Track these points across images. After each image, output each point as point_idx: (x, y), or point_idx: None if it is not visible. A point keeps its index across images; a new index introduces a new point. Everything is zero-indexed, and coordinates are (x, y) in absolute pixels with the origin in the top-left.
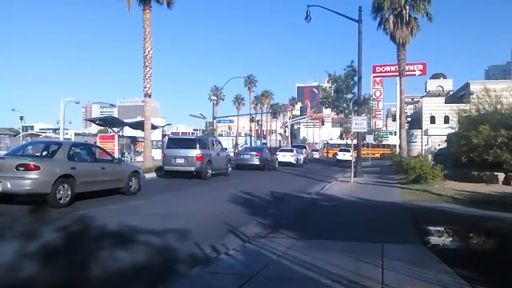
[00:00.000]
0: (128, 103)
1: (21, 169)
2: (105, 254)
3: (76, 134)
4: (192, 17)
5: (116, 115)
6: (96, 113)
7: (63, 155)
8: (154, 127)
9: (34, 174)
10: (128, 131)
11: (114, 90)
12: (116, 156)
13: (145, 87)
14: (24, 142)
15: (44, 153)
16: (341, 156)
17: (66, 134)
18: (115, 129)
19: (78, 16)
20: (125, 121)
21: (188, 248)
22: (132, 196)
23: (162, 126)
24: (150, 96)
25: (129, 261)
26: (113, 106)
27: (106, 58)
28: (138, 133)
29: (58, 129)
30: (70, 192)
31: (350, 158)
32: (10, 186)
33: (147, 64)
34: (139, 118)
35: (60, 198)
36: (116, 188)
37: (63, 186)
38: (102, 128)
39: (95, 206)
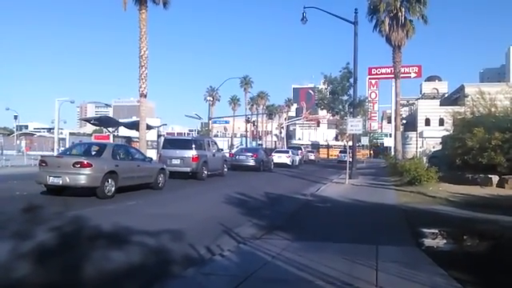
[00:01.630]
0: (123, 103)
1: (77, 166)
2: (99, 252)
3: (71, 134)
4: (188, 17)
5: (111, 115)
6: (91, 112)
7: (108, 154)
8: (149, 127)
9: (87, 171)
10: (123, 131)
11: (110, 90)
12: None
13: (140, 87)
14: (73, 143)
15: (93, 152)
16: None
17: (61, 133)
18: (110, 129)
19: (74, 15)
20: (120, 121)
21: (183, 249)
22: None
23: (158, 127)
24: (145, 96)
25: (123, 261)
26: (108, 105)
27: (102, 57)
28: (133, 133)
29: (53, 128)
30: (114, 186)
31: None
32: (68, 180)
33: (143, 64)
34: (134, 118)
35: (107, 191)
36: (147, 183)
37: (109, 181)
38: (97, 128)
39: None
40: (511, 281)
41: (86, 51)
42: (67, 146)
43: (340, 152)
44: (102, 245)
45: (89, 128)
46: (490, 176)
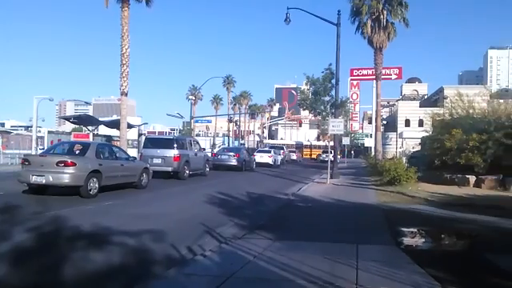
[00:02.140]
0: (104, 101)
1: (60, 165)
2: (79, 254)
3: (49, 132)
4: (171, 15)
5: (91, 113)
6: (70, 111)
7: (92, 153)
8: (130, 126)
9: (71, 169)
10: (103, 130)
11: (90, 88)
12: None
13: (121, 85)
14: (56, 142)
15: (76, 151)
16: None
17: (39, 131)
18: (90, 127)
19: (54, 12)
20: (100, 119)
21: (164, 249)
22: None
23: (139, 125)
24: (126, 95)
25: (104, 262)
26: (88, 103)
27: (82, 55)
28: (113, 132)
29: (31, 126)
30: (97, 185)
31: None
32: (51, 179)
33: (124, 62)
34: (115, 117)
35: (90, 190)
36: (131, 182)
37: (92, 180)
38: (77, 126)
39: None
40: (487, 278)
41: (66, 48)
42: (46, 144)
43: (323, 152)
44: (83, 246)
45: (68, 126)
46: (467, 176)
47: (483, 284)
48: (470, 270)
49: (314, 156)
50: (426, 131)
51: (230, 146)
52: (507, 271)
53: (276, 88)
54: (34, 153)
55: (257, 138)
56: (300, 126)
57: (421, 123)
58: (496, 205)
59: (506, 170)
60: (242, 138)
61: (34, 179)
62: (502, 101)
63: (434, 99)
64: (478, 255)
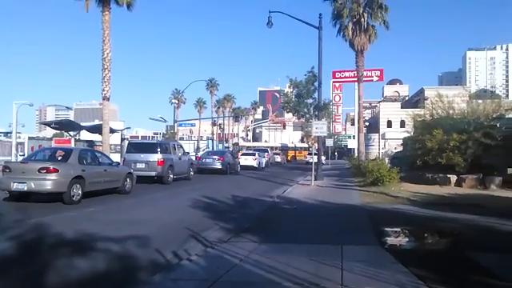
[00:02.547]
0: (85, 106)
1: (43, 171)
2: (62, 261)
3: (30, 138)
4: (153, 19)
5: (72, 118)
6: (51, 116)
7: (75, 159)
8: (112, 131)
9: (53, 176)
10: (85, 135)
11: (71, 93)
12: None
13: (103, 90)
14: (37, 149)
15: (58, 158)
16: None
17: (19, 137)
18: (71, 132)
19: (34, 15)
20: (82, 124)
21: (149, 254)
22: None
23: (121, 130)
24: (108, 99)
25: (89, 269)
26: (69, 108)
27: (62, 59)
28: (95, 136)
29: (10, 132)
30: (80, 191)
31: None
32: (33, 186)
33: (106, 67)
34: (97, 122)
35: (73, 196)
36: (115, 187)
37: (76, 186)
38: (58, 132)
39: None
40: (469, 276)
41: (46, 53)
42: (26, 150)
43: (308, 154)
44: (66, 253)
45: (49, 132)
46: (448, 176)
47: (465, 281)
48: (452, 268)
49: (300, 158)
50: (408, 132)
51: (215, 149)
52: (488, 268)
53: (259, 91)
54: (14, 159)
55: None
56: (284, 128)
57: (402, 124)
58: (477, 203)
59: (486, 169)
60: (227, 141)
61: (16, 186)
62: (480, 101)
63: (414, 100)
64: (459, 253)
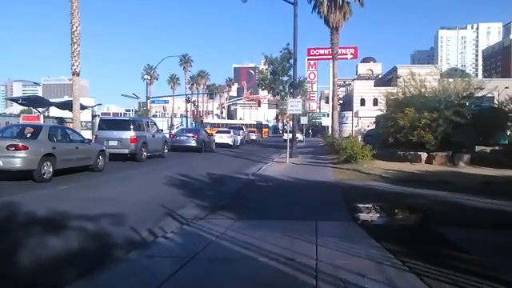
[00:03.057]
0: (54, 82)
1: (11, 149)
2: (35, 240)
3: None
4: None
5: (41, 94)
6: (18, 92)
7: (45, 136)
8: (83, 107)
9: (23, 153)
10: (54, 111)
11: (38, 68)
12: None
13: (73, 65)
14: (3, 126)
15: (28, 135)
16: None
17: None
18: (40, 109)
19: None
20: (51, 100)
21: (124, 232)
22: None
23: (92, 106)
24: (78, 75)
25: (62, 248)
26: (37, 84)
27: (30, 32)
28: (65, 113)
29: None
30: (51, 169)
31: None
32: (2, 164)
33: (75, 41)
34: (66, 98)
35: (44, 174)
36: (87, 165)
37: (46, 164)
38: (26, 108)
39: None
40: (437, 250)
41: (12, 26)
42: None
43: (285, 132)
44: (38, 232)
45: (16, 108)
46: (419, 153)
47: (434, 255)
48: (421, 242)
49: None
50: (381, 110)
51: (189, 126)
52: (455, 242)
53: (234, 68)
54: None
55: (215, 119)
56: (259, 105)
57: (375, 102)
58: (445, 180)
59: (456, 147)
60: (201, 118)
61: None
62: (451, 80)
63: (387, 78)
64: (428, 228)
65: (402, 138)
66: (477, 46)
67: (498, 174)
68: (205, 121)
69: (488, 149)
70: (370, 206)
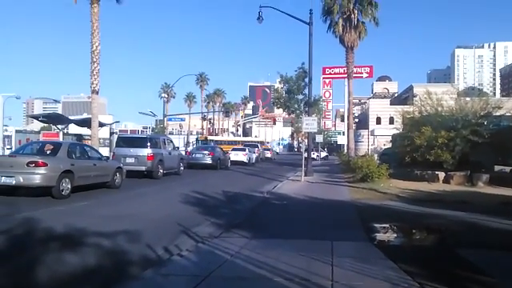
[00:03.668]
0: (73, 99)
1: (31, 165)
2: (53, 256)
3: (17, 131)
4: (143, 12)
5: (60, 111)
6: (39, 109)
7: (64, 153)
8: (101, 125)
9: (42, 170)
10: (73, 129)
11: (59, 86)
12: None
13: (92, 83)
14: (24, 142)
15: (47, 151)
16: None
17: (6, 130)
18: (60, 126)
19: (22, 7)
20: (70, 118)
21: (140, 250)
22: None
23: (110, 124)
24: (97, 93)
25: (79, 264)
26: (57, 101)
27: (51, 52)
28: (84, 130)
29: None
30: (69, 185)
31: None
32: (22, 180)
33: (95, 60)
34: (85, 115)
35: (62, 190)
36: (104, 182)
37: (65, 180)
38: (46, 125)
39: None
40: (456, 271)
41: (34, 45)
42: (13, 143)
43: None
44: (56, 248)
45: (36, 125)
46: (436, 172)
47: (453, 277)
48: (440, 264)
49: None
50: (397, 129)
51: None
52: (475, 264)
53: (250, 86)
54: (1, 153)
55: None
56: (274, 123)
57: (391, 121)
58: (464, 200)
59: (474, 166)
60: (217, 136)
61: (4, 180)
62: (468, 99)
63: (403, 97)
64: (447, 249)
65: (419, 157)
66: (494, 64)
67: None
68: (209, 138)
69: (507, 168)
70: (386, 226)
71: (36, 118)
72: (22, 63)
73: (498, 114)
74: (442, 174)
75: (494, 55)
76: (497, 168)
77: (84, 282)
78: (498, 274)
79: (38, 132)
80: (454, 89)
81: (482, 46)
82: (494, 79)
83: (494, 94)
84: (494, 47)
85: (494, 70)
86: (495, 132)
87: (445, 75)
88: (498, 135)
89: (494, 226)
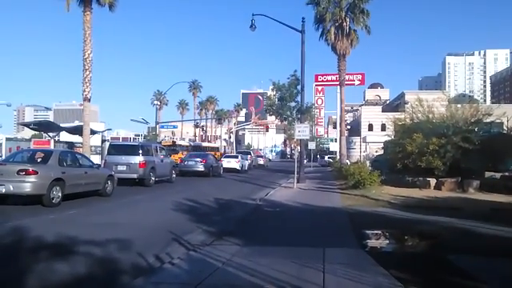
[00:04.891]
0: (65, 107)
1: (21, 173)
2: (42, 265)
3: (8, 139)
4: (135, 20)
5: (52, 119)
6: (30, 116)
7: (55, 161)
8: (93, 132)
9: (33, 178)
10: (65, 136)
11: (50, 93)
12: None
13: (84, 91)
14: (15, 150)
15: (38, 159)
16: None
17: None
18: (51, 134)
19: (13, 14)
20: (61, 125)
21: (131, 258)
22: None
23: (102, 131)
24: (89, 100)
25: (69, 273)
26: (48, 109)
27: (42, 59)
28: (75, 138)
29: None
30: (60, 193)
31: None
32: (12, 189)
33: (87, 67)
34: (77, 123)
35: (53, 198)
36: (96, 190)
37: (56, 188)
38: (37, 133)
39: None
40: (447, 278)
41: (25, 53)
42: (4, 151)
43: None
44: (46, 256)
45: (27, 133)
46: (428, 179)
47: (444, 283)
48: (431, 270)
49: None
50: (389, 135)
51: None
52: (465, 270)
53: (242, 93)
54: None
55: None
56: (267, 130)
57: (383, 128)
58: (455, 206)
59: (465, 173)
60: (209, 143)
61: None
62: (459, 106)
63: (395, 104)
64: (438, 256)
65: (411, 164)
66: (484, 72)
67: (509, 201)
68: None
69: (498, 175)
70: (378, 232)
71: (27, 125)
72: (13, 70)
73: (488, 120)
74: (433, 181)
75: (485, 62)
76: (487, 174)
77: None
78: (488, 280)
79: (29, 140)
80: (445, 96)
81: (473, 54)
82: (485, 86)
83: (485, 100)
84: (485, 55)
85: (485, 77)
86: (485, 139)
87: (436, 82)
88: (489, 142)
89: (485, 232)
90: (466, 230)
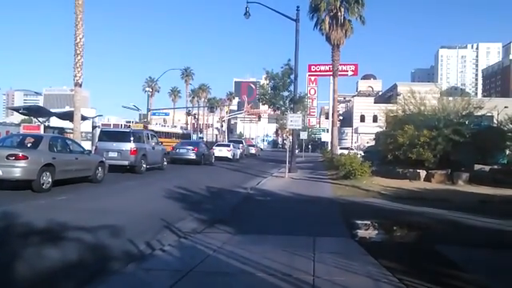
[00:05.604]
0: (55, 92)
1: (11, 158)
2: (32, 251)
3: None
4: (128, 5)
5: (42, 104)
6: (19, 101)
7: (45, 146)
8: (83, 118)
9: (23, 163)
10: (55, 122)
11: (40, 78)
12: None
13: (75, 76)
14: (4, 135)
15: (28, 144)
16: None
17: None
18: (41, 119)
19: None
20: (52, 110)
21: (122, 245)
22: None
23: (93, 117)
24: (80, 85)
25: (59, 259)
26: (38, 94)
27: (33, 43)
28: (66, 123)
29: None
30: (50, 179)
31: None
32: (1, 173)
33: (78, 52)
34: (68, 108)
35: (43, 184)
36: (86, 176)
37: (46, 174)
38: (26, 117)
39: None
40: (435, 267)
41: (16, 36)
42: None
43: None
44: (36, 242)
45: (17, 117)
46: (418, 171)
47: (432, 273)
48: (419, 260)
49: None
50: (380, 127)
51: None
52: (453, 261)
53: (235, 81)
54: None
55: (215, 132)
56: (259, 120)
57: (375, 119)
58: (444, 198)
59: (454, 165)
60: (201, 131)
61: None
62: (451, 98)
63: (387, 96)
64: (427, 246)
65: (401, 156)
66: (476, 65)
67: (497, 193)
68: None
69: (487, 168)
70: (368, 222)
71: (16, 110)
72: (2, 54)
73: (479, 113)
74: (423, 173)
75: (477, 56)
76: (477, 167)
77: (65, 277)
78: (475, 271)
79: (18, 124)
80: (437, 88)
81: (466, 47)
82: (477, 79)
83: (476, 94)
84: (477, 48)
85: (477, 70)
86: (476, 132)
87: (428, 74)
88: (479, 135)
89: (473, 224)
90: (455, 222)
